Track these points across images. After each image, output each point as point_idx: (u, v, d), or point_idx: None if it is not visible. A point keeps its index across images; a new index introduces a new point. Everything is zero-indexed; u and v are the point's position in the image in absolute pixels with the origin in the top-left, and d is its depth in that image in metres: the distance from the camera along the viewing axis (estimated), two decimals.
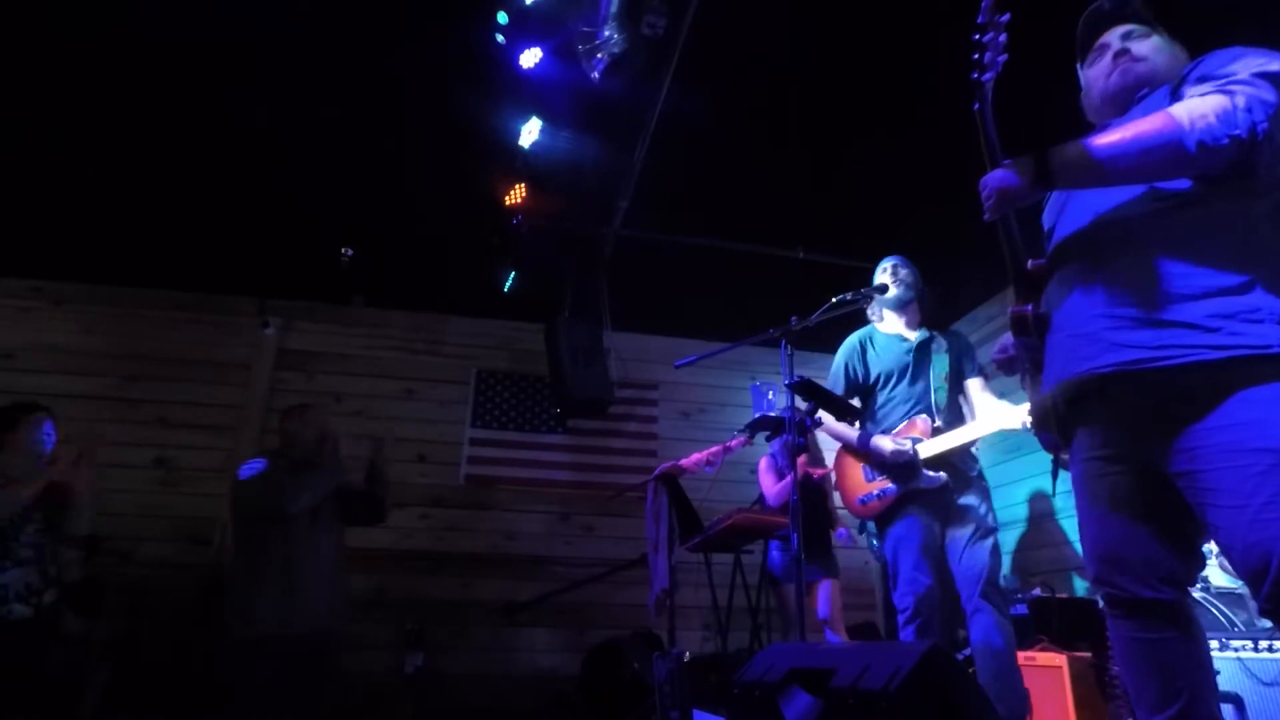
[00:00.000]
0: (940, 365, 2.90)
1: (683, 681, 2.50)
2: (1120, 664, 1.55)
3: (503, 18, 2.88)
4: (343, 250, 4.44)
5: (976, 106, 1.58)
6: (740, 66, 3.16)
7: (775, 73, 3.16)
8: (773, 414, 3.92)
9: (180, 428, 4.63)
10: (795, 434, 2.64)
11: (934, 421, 2.80)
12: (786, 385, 2.66)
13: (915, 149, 3.45)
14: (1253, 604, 2.48)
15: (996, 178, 1.48)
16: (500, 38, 2.93)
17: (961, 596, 2.66)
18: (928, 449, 2.73)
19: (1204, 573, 2.65)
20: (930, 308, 3.06)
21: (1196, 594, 2.53)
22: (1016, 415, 2.62)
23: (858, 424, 2.99)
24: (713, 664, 3.62)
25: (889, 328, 3.01)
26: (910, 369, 2.89)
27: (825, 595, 3.91)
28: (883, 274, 3.01)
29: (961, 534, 2.67)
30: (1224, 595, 2.55)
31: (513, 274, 4.54)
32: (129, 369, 4.68)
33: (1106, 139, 1.39)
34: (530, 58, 3.00)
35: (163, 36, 2.99)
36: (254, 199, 4.02)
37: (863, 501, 2.87)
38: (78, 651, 2.93)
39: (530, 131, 3.39)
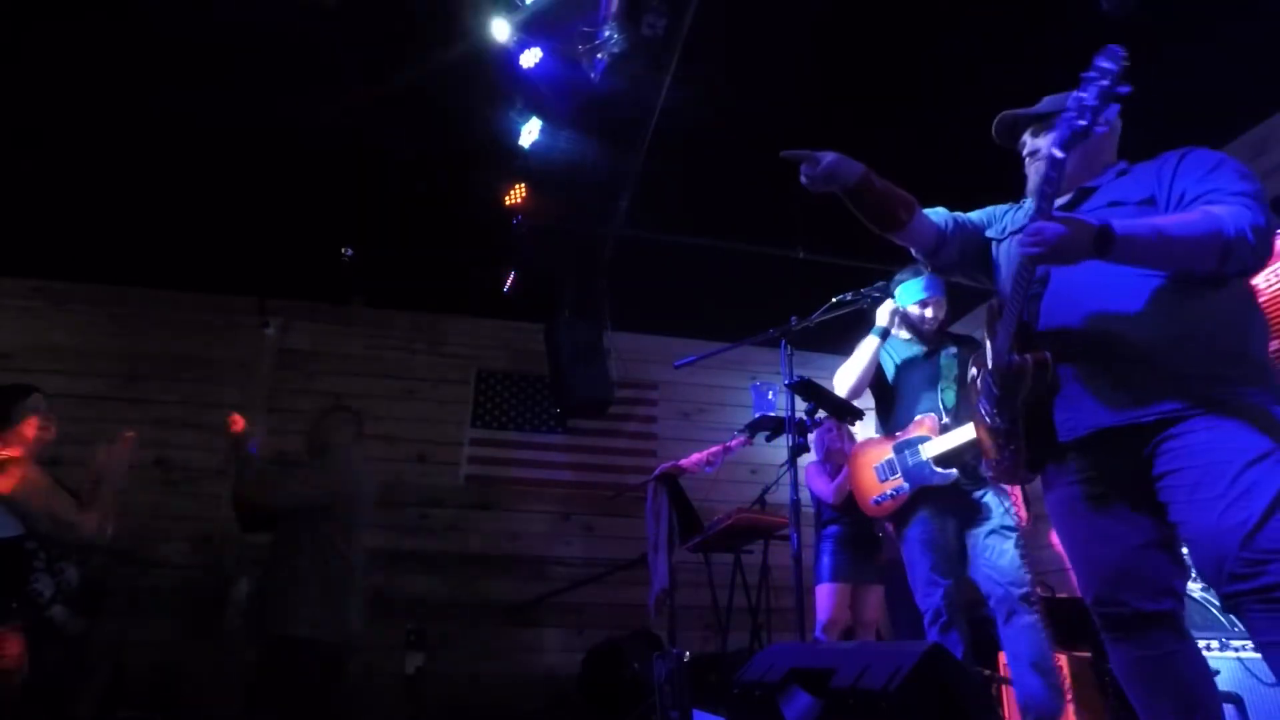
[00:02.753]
0: (950, 368, 2.96)
1: (683, 681, 2.50)
2: (1129, 688, 1.58)
3: (502, 16, 2.89)
4: (343, 250, 4.44)
5: (1061, 154, 1.52)
6: (740, 66, 3.16)
7: (775, 72, 3.17)
8: (773, 414, 3.91)
9: (180, 428, 4.63)
10: (795, 434, 2.64)
11: (941, 419, 2.83)
12: (786, 385, 2.66)
13: (916, 149, 3.45)
14: None
15: (1057, 232, 1.45)
16: (498, 39, 2.93)
17: (990, 599, 2.64)
18: (935, 447, 2.76)
19: None
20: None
21: (1196, 594, 2.53)
22: None
23: (857, 422, 3.03)
24: (713, 664, 3.61)
25: (904, 335, 3.10)
26: (921, 372, 2.96)
27: (877, 600, 3.89)
28: (920, 308, 3.00)
29: (979, 531, 2.69)
30: None
31: (513, 274, 4.54)
32: (129, 369, 4.67)
33: (1162, 225, 1.47)
34: (530, 58, 3.00)
35: (163, 36, 3.00)
36: (254, 199, 4.02)
37: (877, 501, 2.91)
38: (77, 651, 2.92)
39: (530, 131, 3.38)
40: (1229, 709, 2.12)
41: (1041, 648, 2.49)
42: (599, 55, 2.90)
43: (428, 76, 3.14)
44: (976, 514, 2.72)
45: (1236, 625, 2.41)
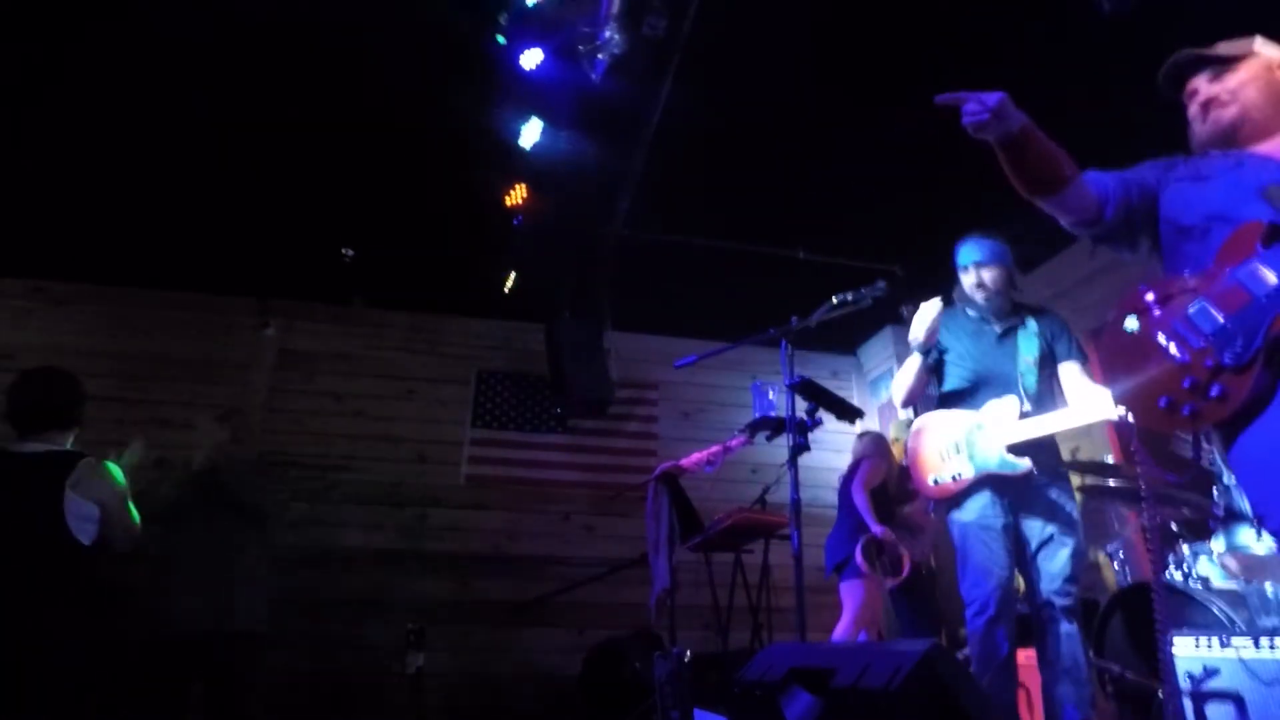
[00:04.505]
0: (1030, 347, 2.71)
1: (683, 681, 2.50)
2: None
3: (503, 17, 2.89)
4: (343, 250, 4.44)
5: None
6: (740, 66, 3.16)
7: (776, 72, 3.17)
8: (773, 414, 3.91)
9: (180, 428, 4.62)
10: (795, 433, 2.64)
11: (1023, 405, 2.60)
12: (787, 385, 2.66)
13: (918, 148, 3.45)
14: (1254, 602, 2.48)
15: None
16: (501, 38, 2.93)
17: (1032, 599, 2.52)
18: (1013, 434, 2.54)
19: (1204, 573, 2.65)
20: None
21: (1196, 593, 2.53)
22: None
23: (858, 421, 2.95)
24: (713, 664, 3.61)
25: (971, 311, 2.85)
26: (996, 352, 2.73)
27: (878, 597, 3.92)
28: (974, 289, 2.76)
29: (1040, 531, 2.53)
30: (1224, 594, 2.54)
31: (513, 274, 4.54)
32: (129, 369, 4.67)
33: None
34: (531, 58, 3.00)
35: (162, 36, 3.00)
36: (254, 199, 4.02)
37: (936, 481, 2.68)
38: (77, 651, 2.92)
39: (530, 131, 3.39)
40: (1229, 708, 2.12)
41: (1077, 658, 2.40)
42: (599, 55, 2.91)
43: (428, 76, 3.15)
44: (1041, 510, 2.55)
45: (1237, 624, 2.40)
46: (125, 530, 2.58)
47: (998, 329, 2.76)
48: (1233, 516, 2.67)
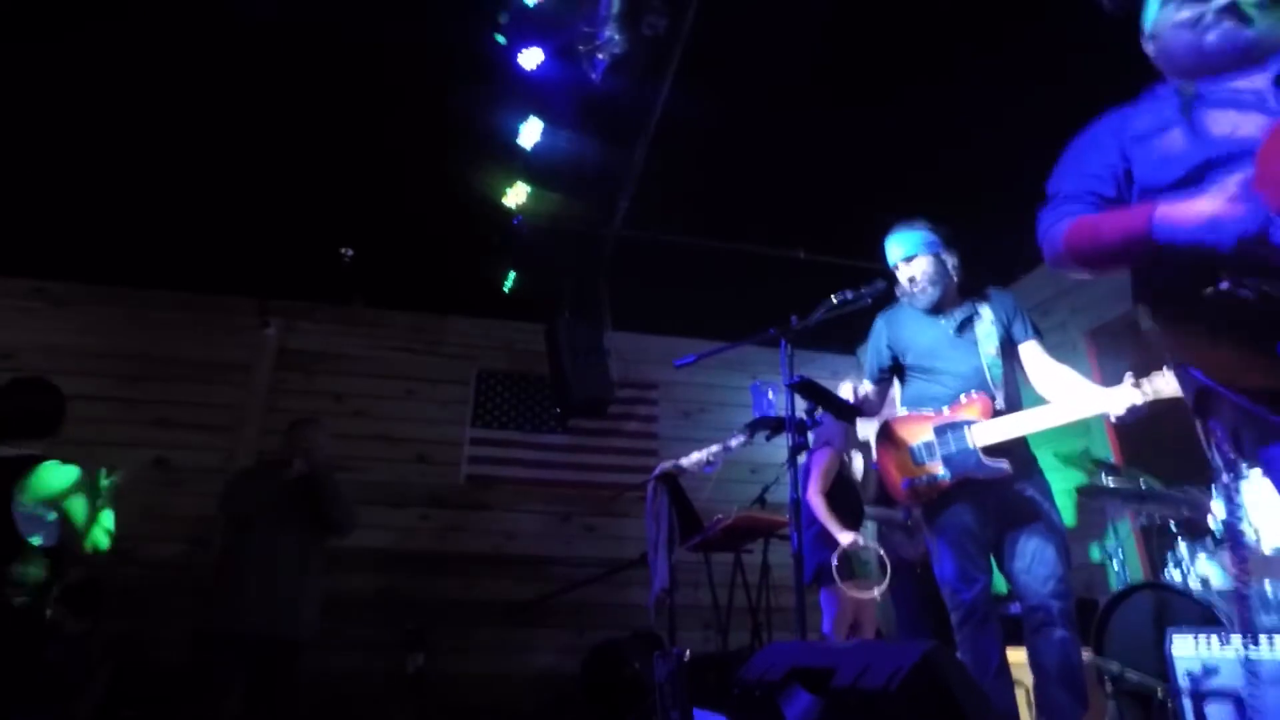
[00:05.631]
0: (989, 338, 2.59)
1: (683, 681, 2.50)
2: None
3: (503, 18, 2.89)
4: (343, 250, 4.45)
5: None
6: (740, 66, 3.16)
7: (775, 72, 3.17)
8: (773, 414, 3.90)
9: (180, 428, 4.63)
10: (795, 433, 2.63)
11: (995, 402, 2.48)
12: (786, 385, 2.65)
13: (918, 148, 3.45)
14: (1254, 602, 2.48)
15: None
16: (500, 38, 2.93)
17: (1023, 603, 2.41)
18: (986, 434, 2.41)
19: (1204, 572, 2.65)
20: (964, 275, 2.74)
21: (1196, 591, 2.53)
22: (1122, 397, 2.15)
23: (856, 420, 2.92)
24: (713, 664, 3.61)
25: (919, 305, 2.74)
26: (955, 345, 2.62)
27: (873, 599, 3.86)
28: (908, 286, 2.70)
29: (1022, 533, 2.41)
30: (1224, 593, 2.55)
31: (513, 274, 4.54)
32: (129, 369, 4.68)
33: None
34: (530, 58, 3.01)
35: (160, 35, 3.00)
36: (254, 199, 4.02)
37: (909, 485, 2.56)
38: (78, 651, 2.94)
39: (530, 131, 3.39)
40: (1228, 707, 2.13)
41: (1071, 663, 2.30)
42: (599, 55, 2.91)
43: (428, 75, 3.15)
44: (1020, 510, 2.43)
45: (1235, 623, 2.41)
46: (77, 539, 2.59)
47: (953, 322, 2.67)
48: (1235, 541, 2.61)
